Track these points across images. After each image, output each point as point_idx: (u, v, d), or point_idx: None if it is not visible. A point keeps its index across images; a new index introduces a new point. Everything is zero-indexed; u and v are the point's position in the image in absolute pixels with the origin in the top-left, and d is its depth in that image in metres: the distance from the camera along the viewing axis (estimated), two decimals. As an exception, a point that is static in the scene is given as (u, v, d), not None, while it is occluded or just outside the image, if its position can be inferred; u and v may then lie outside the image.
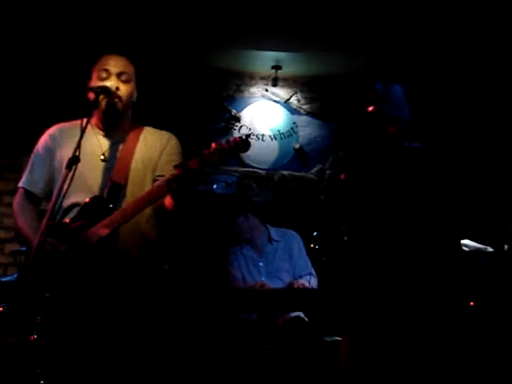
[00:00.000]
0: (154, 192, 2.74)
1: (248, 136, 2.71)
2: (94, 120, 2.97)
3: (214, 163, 2.67)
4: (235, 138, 2.66)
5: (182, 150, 3.08)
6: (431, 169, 2.93)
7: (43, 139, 3.02)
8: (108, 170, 2.87)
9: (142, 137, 3.00)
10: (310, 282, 4.60)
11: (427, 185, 2.91)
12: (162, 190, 2.70)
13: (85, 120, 2.90)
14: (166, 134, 3.07)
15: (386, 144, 3.03)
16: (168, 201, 2.82)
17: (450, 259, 2.94)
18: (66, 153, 2.85)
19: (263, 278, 4.60)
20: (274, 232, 4.84)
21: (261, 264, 4.71)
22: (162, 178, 2.74)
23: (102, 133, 2.96)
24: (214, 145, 2.67)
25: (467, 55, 5.29)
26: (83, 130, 2.64)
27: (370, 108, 3.01)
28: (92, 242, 2.71)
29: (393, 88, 3.00)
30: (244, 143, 2.67)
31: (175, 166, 2.65)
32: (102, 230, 2.72)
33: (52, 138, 3.00)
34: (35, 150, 3.03)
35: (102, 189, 2.83)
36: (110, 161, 2.90)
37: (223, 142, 2.67)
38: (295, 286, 4.48)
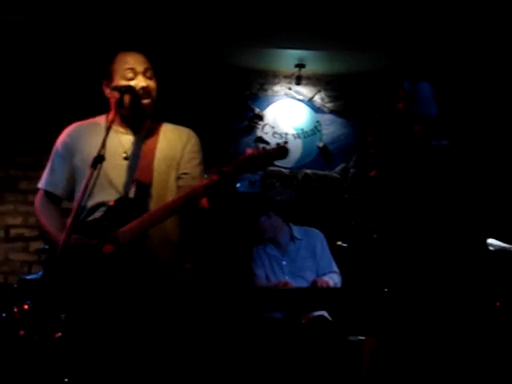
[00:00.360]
0: (188, 196, 2.73)
1: (285, 143, 2.71)
2: (113, 118, 2.92)
3: (250, 169, 2.69)
4: (273, 146, 2.68)
5: (201, 147, 3.08)
6: (460, 167, 2.91)
7: (62, 139, 3.01)
8: (131, 169, 2.86)
9: (161, 134, 2.99)
10: (334, 279, 4.60)
11: (456, 183, 2.90)
12: (198, 194, 2.72)
13: (103, 117, 2.97)
14: (186, 131, 3.06)
15: (411, 142, 3.02)
16: (204, 201, 2.85)
17: (478, 258, 2.92)
18: (86, 151, 2.87)
19: (287, 277, 4.60)
20: (296, 231, 4.83)
21: (284, 263, 4.71)
22: (197, 183, 2.75)
23: (122, 131, 2.93)
24: (249, 151, 2.67)
25: (496, 50, 5.24)
26: (108, 129, 2.64)
27: (400, 105, 3.00)
28: (121, 243, 2.71)
29: (420, 86, 2.99)
30: (281, 151, 2.68)
31: (212, 172, 2.66)
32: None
33: (71, 137, 2.99)
34: (54, 150, 3.02)
35: (127, 188, 2.82)
36: (133, 159, 2.88)
37: (260, 149, 2.68)
38: (319, 283, 4.47)
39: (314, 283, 4.51)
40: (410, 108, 3.00)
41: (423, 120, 3.02)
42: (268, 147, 2.71)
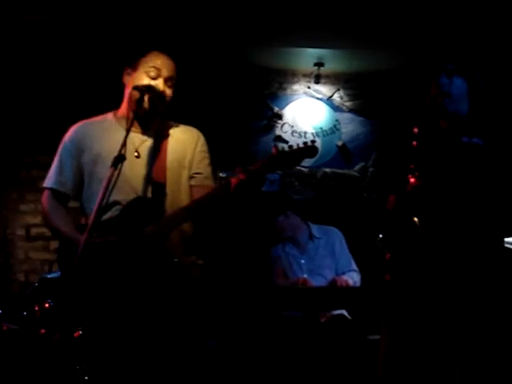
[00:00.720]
0: (216, 194, 2.77)
1: (313, 142, 2.71)
2: (122, 112, 2.98)
3: (277, 168, 2.72)
4: (300, 145, 2.69)
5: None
6: (492, 166, 2.90)
7: (69, 136, 3.01)
8: (143, 167, 2.87)
9: (171, 133, 2.99)
10: (353, 278, 4.59)
11: (487, 182, 2.89)
12: (226, 193, 2.72)
13: (110, 114, 3.01)
14: (195, 132, 3.08)
15: (439, 138, 3.00)
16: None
17: (500, 259, 2.92)
18: (94, 149, 2.90)
19: (305, 275, 4.60)
20: (315, 229, 4.84)
21: (302, 261, 4.72)
22: (222, 182, 2.79)
23: (132, 129, 2.81)
24: (275, 150, 2.68)
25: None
26: (128, 130, 2.65)
27: (439, 99, 2.99)
28: (145, 242, 2.73)
29: (455, 82, 2.97)
30: (310, 150, 2.68)
31: (238, 172, 2.68)
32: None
33: (78, 134, 2.99)
34: (61, 148, 3.01)
35: (143, 187, 2.84)
36: (144, 158, 2.89)
37: (286, 147, 2.69)
38: (338, 283, 4.47)
39: (334, 282, 4.51)
40: (443, 104, 2.99)
41: (452, 117, 2.99)
42: (295, 146, 2.71)
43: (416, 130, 2.97)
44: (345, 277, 4.54)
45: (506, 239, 4.11)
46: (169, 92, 2.92)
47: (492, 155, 2.92)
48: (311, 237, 4.79)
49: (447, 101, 2.96)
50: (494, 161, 2.91)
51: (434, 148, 3.00)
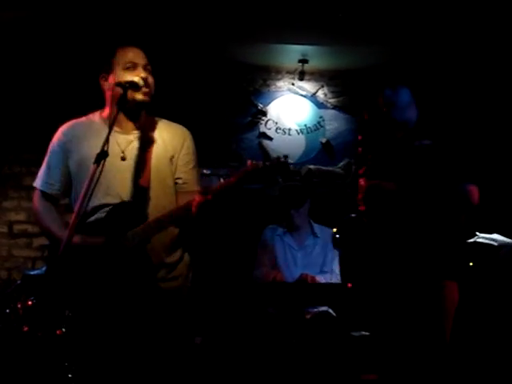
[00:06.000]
0: (186, 207, 2.77)
1: (286, 157, 2.76)
2: (107, 115, 2.95)
3: (249, 183, 2.80)
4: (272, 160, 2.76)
5: (195, 147, 3.09)
6: (439, 161, 3.11)
7: (57, 137, 3.00)
8: (128, 171, 2.86)
9: (157, 132, 2.97)
10: (326, 279, 4.61)
11: (434, 174, 3.11)
12: (188, 211, 2.76)
13: (97, 114, 2.99)
14: (181, 131, 3.06)
15: (394, 147, 3.23)
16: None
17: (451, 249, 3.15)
18: (81, 152, 2.89)
19: (299, 270, 4.63)
20: (316, 227, 4.92)
21: (299, 255, 4.76)
22: (188, 201, 2.78)
23: (117, 130, 2.87)
24: (250, 164, 2.76)
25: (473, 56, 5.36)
26: (111, 128, 2.63)
27: (384, 109, 3.18)
28: (129, 246, 2.73)
29: (400, 92, 3.17)
30: (282, 166, 2.75)
31: (200, 193, 2.73)
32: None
33: (66, 136, 2.97)
34: (50, 149, 3.01)
35: (127, 191, 2.83)
36: (130, 160, 2.87)
37: (260, 163, 2.74)
38: (303, 275, 4.50)
39: (301, 277, 4.53)
40: (391, 114, 3.21)
41: (403, 126, 3.25)
42: (268, 162, 2.74)
43: (360, 137, 3.18)
44: (317, 276, 4.58)
45: (480, 234, 4.25)
46: (151, 78, 2.91)
47: (440, 153, 3.14)
48: (313, 233, 4.84)
49: (393, 110, 3.19)
50: (442, 157, 3.13)
51: (391, 156, 3.24)
